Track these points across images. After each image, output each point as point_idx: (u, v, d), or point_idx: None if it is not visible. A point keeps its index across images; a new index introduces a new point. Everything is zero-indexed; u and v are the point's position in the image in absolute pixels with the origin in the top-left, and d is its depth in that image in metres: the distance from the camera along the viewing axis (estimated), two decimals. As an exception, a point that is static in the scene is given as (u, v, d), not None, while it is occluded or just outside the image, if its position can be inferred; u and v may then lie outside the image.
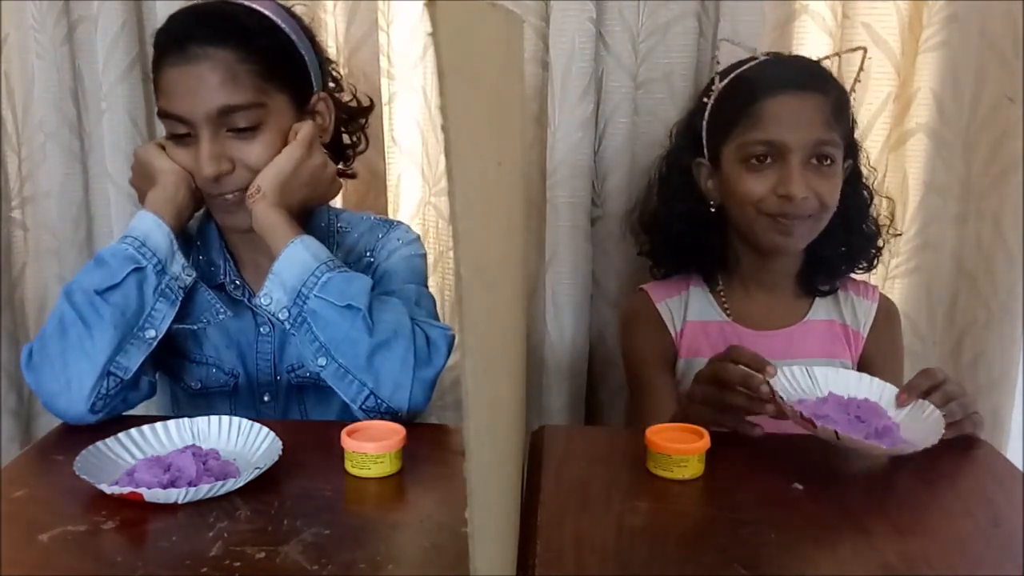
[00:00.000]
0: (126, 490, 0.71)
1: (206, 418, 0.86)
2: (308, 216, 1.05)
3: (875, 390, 0.89)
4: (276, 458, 0.77)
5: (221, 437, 0.85)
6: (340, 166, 1.12)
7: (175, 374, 1.05)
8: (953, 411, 0.85)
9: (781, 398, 0.82)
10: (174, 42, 0.94)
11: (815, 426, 0.79)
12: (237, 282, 1.03)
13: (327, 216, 1.07)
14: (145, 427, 0.83)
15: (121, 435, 0.82)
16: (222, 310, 1.02)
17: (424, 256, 1.09)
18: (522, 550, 0.66)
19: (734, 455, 0.83)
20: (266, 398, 1.05)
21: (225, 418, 0.86)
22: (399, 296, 0.98)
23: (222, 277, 1.04)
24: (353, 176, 1.18)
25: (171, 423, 0.85)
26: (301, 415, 1.06)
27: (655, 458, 0.79)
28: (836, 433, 0.78)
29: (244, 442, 0.84)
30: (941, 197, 1.25)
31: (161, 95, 0.96)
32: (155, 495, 0.71)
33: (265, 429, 0.83)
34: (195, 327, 1.02)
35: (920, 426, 0.83)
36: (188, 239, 1.06)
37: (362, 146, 1.16)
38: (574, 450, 0.85)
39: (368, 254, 1.07)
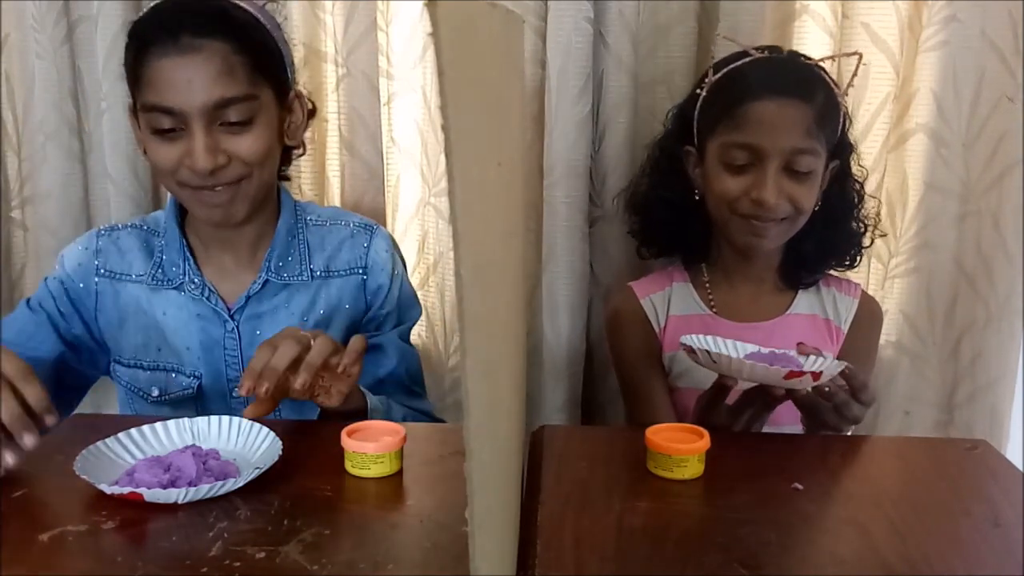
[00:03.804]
0: (126, 490, 0.71)
1: (206, 418, 0.86)
2: (274, 211, 1.07)
3: (807, 361, 0.94)
4: (276, 458, 0.77)
5: (221, 437, 0.85)
6: (281, 168, 1.11)
7: (131, 385, 1.06)
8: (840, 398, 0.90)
9: (687, 346, 0.91)
10: (164, 32, 0.92)
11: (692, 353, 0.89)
12: (196, 280, 1.04)
13: (293, 209, 1.09)
14: (145, 427, 0.83)
15: (121, 435, 0.81)
16: (144, 298, 1.04)
17: (402, 260, 1.13)
18: (522, 550, 0.66)
19: (734, 455, 0.83)
20: (235, 393, 1.05)
21: (225, 418, 0.86)
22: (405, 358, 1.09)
23: (182, 277, 1.04)
24: (288, 178, 1.16)
25: (171, 423, 0.85)
26: (275, 415, 1.07)
27: (655, 458, 0.79)
28: (708, 353, 0.88)
29: (244, 442, 0.84)
30: (941, 197, 1.25)
31: (147, 88, 0.93)
32: (155, 495, 0.71)
33: (265, 429, 0.83)
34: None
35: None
36: (153, 237, 1.07)
37: (300, 151, 1.12)
38: (574, 450, 0.85)
39: (360, 271, 1.08)
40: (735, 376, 0.87)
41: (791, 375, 0.84)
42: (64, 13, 1.34)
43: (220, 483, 0.73)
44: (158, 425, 0.84)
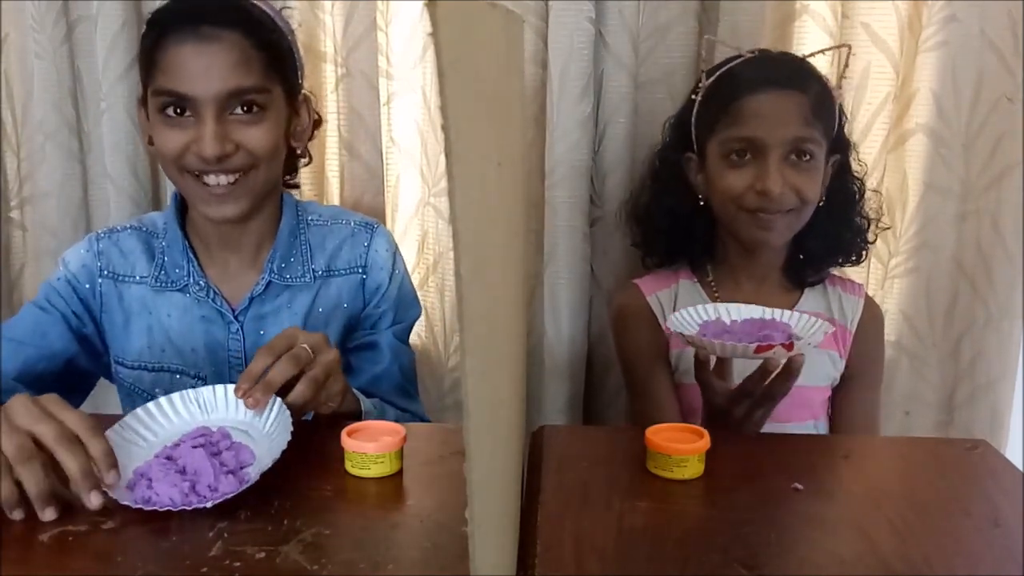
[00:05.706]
0: (149, 508, 0.70)
1: (211, 388, 0.85)
2: (276, 212, 1.07)
3: (801, 322, 0.94)
4: (290, 429, 0.77)
5: (228, 406, 0.84)
6: (286, 177, 1.13)
7: (134, 386, 1.06)
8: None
9: (670, 330, 0.94)
10: (185, 20, 0.93)
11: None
12: (201, 283, 1.04)
13: (295, 209, 1.09)
14: (151, 406, 0.83)
15: (128, 418, 0.81)
16: (149, 299, 1.04)
17: (403, 259, 1.13)
18: (522, 550, 0.66)
19: (734, 455, 0.83)
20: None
21: (231, 387, 0.84)
22: (401, 357, 1.09)
23: (186, 279, 1.04)
24: (297, 186, 1.21)
25: (176, 400, 0.84)
26: None
27: (655, 458, 0.79)
28: (683, 335, 0.90)
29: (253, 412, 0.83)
30: (940, 197, 1.25)
31: (161, 73, 0.94)
32: (184, 505, 0.71)
33: (272, 395, 0.82)
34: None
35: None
36: (153, 239, 1.07)
37: (306, 160, 1.15)
38: (574, 450, 0.85)
39: (360, 270, 1.08)
40: (709, 353, 0.89)
41: (760, 349, 0.85)
42: (63, 13, 1.34)
43: (244, 487, 0.72)
44: (163, 402, 0.83)
